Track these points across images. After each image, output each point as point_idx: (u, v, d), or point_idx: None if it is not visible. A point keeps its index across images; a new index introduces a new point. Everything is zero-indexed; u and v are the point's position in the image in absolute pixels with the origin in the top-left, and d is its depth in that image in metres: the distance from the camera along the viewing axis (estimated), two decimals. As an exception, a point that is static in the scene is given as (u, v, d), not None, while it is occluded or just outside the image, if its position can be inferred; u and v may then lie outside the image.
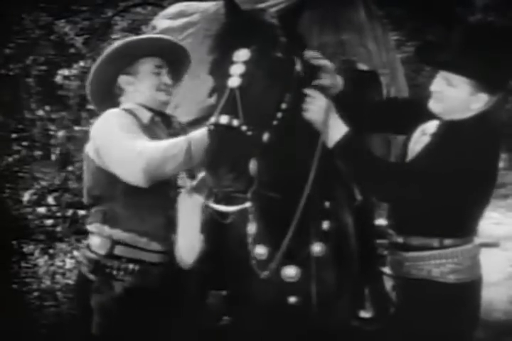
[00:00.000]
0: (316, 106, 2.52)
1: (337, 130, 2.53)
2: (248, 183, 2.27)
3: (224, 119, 2.25)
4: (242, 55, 2.31)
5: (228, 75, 2.31)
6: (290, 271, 2.58)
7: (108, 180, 2.75)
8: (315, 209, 2.52)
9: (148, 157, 2.60)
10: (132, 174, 2.63)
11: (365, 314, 3.05)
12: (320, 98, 2.54)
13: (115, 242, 2.76)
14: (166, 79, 2.95)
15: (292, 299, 2.59)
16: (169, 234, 2.79)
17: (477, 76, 2.49)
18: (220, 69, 2.36)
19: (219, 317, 2.81)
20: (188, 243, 2.62)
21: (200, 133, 2.63)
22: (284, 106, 2.40)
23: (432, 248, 2.59)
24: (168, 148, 2.63)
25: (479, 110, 2.56)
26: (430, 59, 2.69)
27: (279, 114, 2.39)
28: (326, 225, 2.61)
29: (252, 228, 2.62)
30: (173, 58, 3.00)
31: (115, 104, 2.94)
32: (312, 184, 2.41)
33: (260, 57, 2.32)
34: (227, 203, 2.41)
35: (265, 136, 2.33)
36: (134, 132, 2.72)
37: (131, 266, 2.76)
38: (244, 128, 2.26)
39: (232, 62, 2.32)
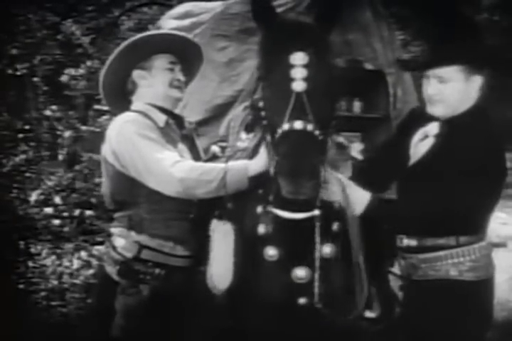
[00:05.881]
0: (333, 187, 2.50)
1: (360, 200, 2.53)
2: (319, 190, 2.28)
3: (299, 125, 2.24)
4: (299, 58, 2.30)
5: (290, 79, 2.29)
6: (300, 273, 2.58)
7: (131, 185, 2.75)
8: (326, 211, 2.51)
9: (183, 176, 2.60)
10: (169, 184, 2.64)
11: (370, 314, 3.04)
12: (335, 178, 2.51)
13: (142, 246, 2.77)
14: (180, 75, 2.94)
15: (302, 300, 2.59)
16: (193, 238, 2.79)
17: (466, 58, 2.53)
18: (276, 73, 2.34)
19: (225, 318, 2.80)
20: (222, 270, 2.60)
21: (238, 165, 2.64)
22: (337, 112, 2.46)
23: (448, 247, 2.59)
24: (204, 172, 2.63)
25: (476, 96, 2.60)
26: (417, 65, 2.75)
27: (334, 121, 2.43)
28: (336, 226, 2.60)
29: (262, 229, 2.62)
30: (186, 55, 3.00)
31: (128, 102, 2.94)
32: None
33: (318, 60, 2.32)
34: (293, 210, 2.38)
35: (329, 141, 2.37)
36: (156, 141, 2.72)
37: (157, 270, 2.77)
38: (317, 132, 2.27)
39: (290, 66, 2.30)
